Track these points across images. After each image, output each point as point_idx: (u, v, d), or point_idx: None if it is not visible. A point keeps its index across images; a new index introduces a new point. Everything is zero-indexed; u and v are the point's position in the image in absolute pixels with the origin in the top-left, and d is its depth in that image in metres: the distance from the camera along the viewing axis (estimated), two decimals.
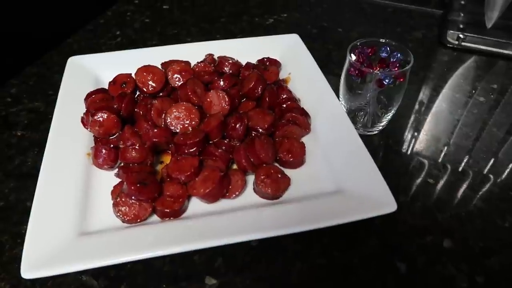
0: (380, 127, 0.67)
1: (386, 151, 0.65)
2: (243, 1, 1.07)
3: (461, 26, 0.89)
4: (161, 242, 0.45)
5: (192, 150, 0.52)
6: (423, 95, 0.76)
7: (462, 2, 0.95)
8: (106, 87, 0.68)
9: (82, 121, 0.62)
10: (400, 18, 1.00)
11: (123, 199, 0.49)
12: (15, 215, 0.55)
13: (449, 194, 0.58)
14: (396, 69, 0.60)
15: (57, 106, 0.63)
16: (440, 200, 0.57)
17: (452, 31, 0.89)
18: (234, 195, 0.51)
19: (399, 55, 0.61)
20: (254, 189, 0.52)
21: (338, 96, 0.65)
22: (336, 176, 0.53)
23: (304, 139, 0.59)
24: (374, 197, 0.48)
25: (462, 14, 0.91)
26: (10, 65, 0.81)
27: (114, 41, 0.91)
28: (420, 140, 0.67)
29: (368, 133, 0.67)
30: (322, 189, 0.53)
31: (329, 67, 0.79)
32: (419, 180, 0.60)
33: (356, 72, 0.59)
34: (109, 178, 0.55)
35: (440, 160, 0.63)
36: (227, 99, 0.58)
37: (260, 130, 0.56)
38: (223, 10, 1.03)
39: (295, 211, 0.48)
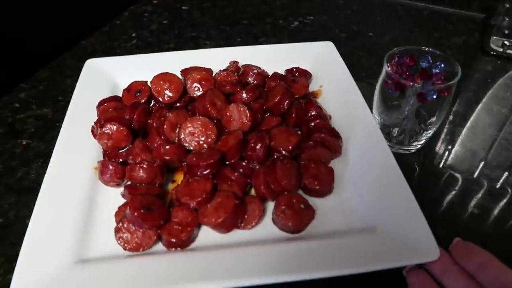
0: (418, 146, 0.59)
1: (422, 173, 0.58)
2: (266, 2, 1.01)
3: (506, 31, 0.82)
4: (165, 278, 0.40)
5: (205, 172, 0.46)
6: (464, 107, 0.68)
7: (507, 6, 0.86)
8: (121, 92, 0.62)
9: (92, 131, 0.57)
10: (437, 22, 0.92)
11: (125, 225, 0.44)
12: (12, 235, 0.51)
13: (498, 228, 0.50)
14: (440, 82, 0.52)
15: (69, 112, 0.58)
16: (487, 237, 0.49)
17: (496, 37, 0.82)
18: (250, 226, 0.45)
19: (442, 65, 0.54)
20: (273, 219, 0.46)
21: (371, 109, 0.58)
22: (368, 210, 0.46)
23: (333, 163, 0.52)
24: (413, 240, 0.40)
25: (507, 19, 0.83)
26: (23, 69, 0.77)
27: (129, 43, 0.86)
28: (463, 161, 0.59)
29: (403, 152, 0.60)
30: (351, 224, 0.45)
31: (359, 75, 0.72)
32: (462, 211, 0.52)
33: (394, 85, 0.52)
34: (116, 196, 0.50)
35: (488, 186, 0.55)
36: (248, 114, 0.52)
37: (284, 152, 0.49)
38: (245, 12, 0.97)
39: (319, 251, 0.41)
